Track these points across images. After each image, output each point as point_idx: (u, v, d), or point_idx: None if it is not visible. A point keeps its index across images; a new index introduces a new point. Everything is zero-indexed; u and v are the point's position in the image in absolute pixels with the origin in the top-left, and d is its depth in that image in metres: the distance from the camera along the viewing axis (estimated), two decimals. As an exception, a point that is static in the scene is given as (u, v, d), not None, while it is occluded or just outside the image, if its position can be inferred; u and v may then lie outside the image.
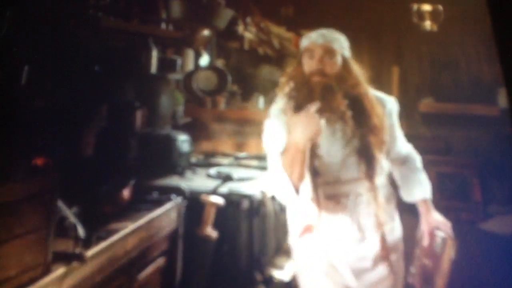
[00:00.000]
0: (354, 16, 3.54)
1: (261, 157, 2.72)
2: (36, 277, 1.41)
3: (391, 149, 1.86)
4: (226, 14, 3.01)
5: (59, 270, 1.48)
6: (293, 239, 1.87)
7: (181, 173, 2.63)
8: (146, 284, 2.02)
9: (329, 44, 1.74)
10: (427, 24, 3.57)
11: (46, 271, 1.44)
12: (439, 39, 3.62)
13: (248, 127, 3.38)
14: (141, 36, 2.74)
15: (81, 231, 1.64)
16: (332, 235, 1.76)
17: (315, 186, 1.74)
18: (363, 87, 1.77)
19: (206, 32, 3.12)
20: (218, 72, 3.13)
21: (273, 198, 2.41)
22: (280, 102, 1.81)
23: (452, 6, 3.50)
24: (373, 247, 1.75)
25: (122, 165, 2.49)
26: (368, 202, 1.76)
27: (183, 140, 2.70)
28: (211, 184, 2.46)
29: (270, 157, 1.77)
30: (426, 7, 3.56)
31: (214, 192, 2.35)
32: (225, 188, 2.39)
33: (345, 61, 1.77)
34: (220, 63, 3.38)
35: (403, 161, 1.93)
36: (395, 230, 1.84)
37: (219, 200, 2.28)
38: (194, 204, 2.28)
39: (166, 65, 2.90)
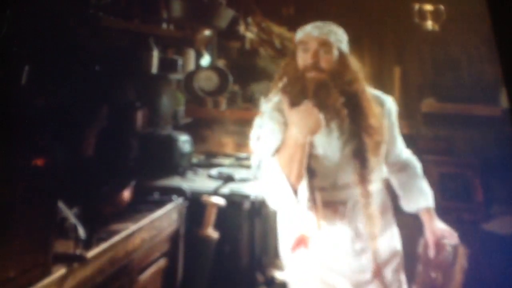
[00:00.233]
0: (355, 16, 3.52)
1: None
2: (36, 278, 1.40)
3: (390, 151, 1.76)
4: (227, 14, 3.00)
5: (60, 271, 1.48)
6: (285, 253, 1.75)
7: (182, 174, 2.62)
8: (147, 285, 2.02)
9: (324, 37, 1.63)
10: (429, 24, 3.55)
11: (47, 272, 1.43)
12: (441, 39, 3.61)
13: (249, 127, 3.36)
14: (142, 36, 2.74)
15: (81, 232, 1.63)
16: (328, 248, 1.66)
17: (312, 191, 1.62)
18: (361, 84, 1.66)
19: (207, 32, 3.12)
20: (219, 72, 3.12)
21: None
22: (273, 98, 1.70)
23: (454, 6, 3.49)
24: (376, 257, 1.66)
25: (123, 165, 2.49)
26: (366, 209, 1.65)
27: (184, 141, 2.70)
28: (212, 184, 2.45)
29: (261, 157, 1.65)
30: (428, 7, 3.55)
31: (215, 192, 2.35)
32: (226, 189, 2.38)
33: (342, 56, 1.65)
34: (221, 63, 3.37)
35: (402, 167, 1.82)
36: (392, 240, 1.75)
37: (220, 201, 2.27)
38: (195, 205, 2.28)
39: (167, 65, 2.90)
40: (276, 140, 1.60)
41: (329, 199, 1.65)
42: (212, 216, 2.26)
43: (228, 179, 2.53)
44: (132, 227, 1.88)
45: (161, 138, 2.68)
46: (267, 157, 1.62)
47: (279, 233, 1.79)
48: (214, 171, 2.66)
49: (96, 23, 2.41)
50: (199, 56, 3.21)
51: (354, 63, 1.68)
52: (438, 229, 1.77)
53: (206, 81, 3.10)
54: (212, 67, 3.16)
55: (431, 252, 1.76)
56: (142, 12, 2.77)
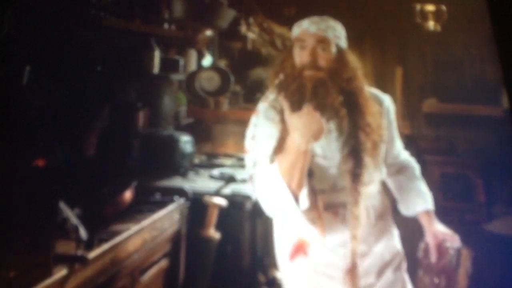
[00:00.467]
0: (357, 16, 3.52)
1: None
2: (37, 279, 1.40)
3: (389, 151, 1.70)
4: (228, 14, 3.00)
5: (61, 272, 1.47)
6: (283, 262, 1.69)
7: (183, 174, 2.62)
8: (149, 286, 2.01)
9: (322, 33, 1.55)
10: (431, 24, 3.55)
11: (48, 273, 1.43)
12: (443, 40, 3.61)
13: (250, 128, 3.36)
14: (143, 36, 2.74)
15: (83, 233, 1.62)
16: (328, 252, 1.61)
17: (313, 194, 1.55)
18: (359, 82, 1.59)
19: (208, 32, 3.12)
20: (220, 72, 3.12)
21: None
22: (270, 97, 1.63)
23: (456, 6, 3.49)
24: (377, 260, 1.63)
25: (124, 166, 2.49)
26: (368, 211, 1.61)
27: (185, 141, 2.69)
28: (214, 185, 2.45)
29: (256, 158, 1.60)
30: (430, 7, 3.55)
31: (217, 193, 2.34)
32: (228, 189, 2.38)
33: (340, 52, 1.57)
34: (222, 63, 3.36)
35: (400, 169, 1.77)
36: (392, 241, 1.70)
37: (222, 201, 2.27)
38: (197, 206, 2.28)
39: (169, 65, 2.90)
40: (272, 142, 1.54)
41: (329, 202, 1.59)
42: (213, 216, 2.25)
43: (230, 179, 2.53)
44: (133, 227, 1.87)
45: (163, 138, 2.67)
46: (263, 161, 1.56)
47: (275, 240, 1.75)
48: (215, 172, 2.65)
49: (97, 23, 2.40)
50: (200, 56, 3.20)
51: (353, 60, 1.60)
52: (439, 232, 1.71)
53: (208, 81, 3.10)
54: (214, 67, 3.16)
55: (433, 257, 1.70)
56: (143, 12, 2.77)
